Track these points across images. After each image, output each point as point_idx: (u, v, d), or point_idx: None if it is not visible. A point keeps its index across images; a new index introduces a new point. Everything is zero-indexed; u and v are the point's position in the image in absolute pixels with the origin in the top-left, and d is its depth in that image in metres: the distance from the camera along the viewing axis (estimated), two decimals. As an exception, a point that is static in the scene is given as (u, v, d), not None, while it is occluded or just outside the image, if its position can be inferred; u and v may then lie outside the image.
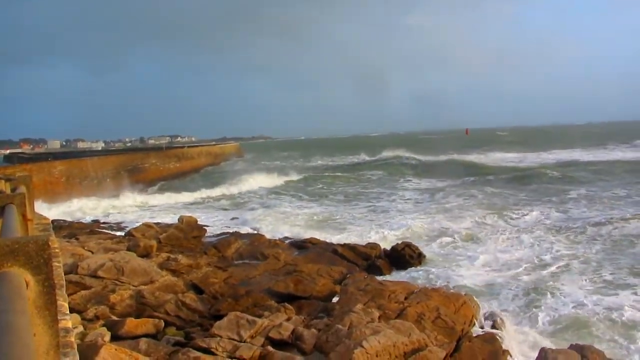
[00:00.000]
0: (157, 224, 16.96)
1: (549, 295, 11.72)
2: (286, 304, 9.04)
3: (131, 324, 7.88)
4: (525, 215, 21.46)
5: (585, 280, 12.78)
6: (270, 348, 6.75)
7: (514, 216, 21.33)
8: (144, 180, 40.68)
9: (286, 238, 17.14)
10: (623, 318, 10.25)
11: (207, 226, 18.87)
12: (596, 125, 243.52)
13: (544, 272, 13.56)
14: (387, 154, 56.56)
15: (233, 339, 6.99)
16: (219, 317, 7.92)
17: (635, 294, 11.68)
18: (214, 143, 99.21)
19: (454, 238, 17.71)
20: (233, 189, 33.59)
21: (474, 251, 15.82)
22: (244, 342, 6.98)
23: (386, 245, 15.55)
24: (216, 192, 32.98)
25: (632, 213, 19.93)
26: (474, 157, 55.35)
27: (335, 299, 9.76)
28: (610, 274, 13.06)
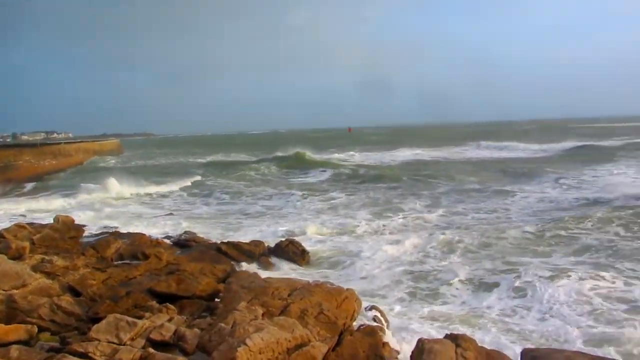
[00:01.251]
0: (31, 224, 16.01)
1: (432, 289, 12.33)
2: (168, 304, 8.85)
3: (0, 331, 7.42)
4: (406, 211, 22.38)
5: (466, 273, 13.48)
6: (151, 350, 6.58)
7: (393, 214, 22.17)
8: (17, 178, 38.36)
9: (168, 237, 16.79)
10: (497, 307, 11.01)
11: (85, 226, 18.10)
12: (462, 124, 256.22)
13: (427, 267, 14.18)
14: (280, 153, 56.65)
15: (112, 342, 6.75)
16: (98, 320, 7.61)
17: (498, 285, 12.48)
18: (92, 140, 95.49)
19: (340, 235, 18.13)
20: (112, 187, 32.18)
21: (358, 247, 16.26)
22: (124, 344, 6.76)
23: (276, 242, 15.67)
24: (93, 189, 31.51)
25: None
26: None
27: (218, 298, 9.69)
28: (489, 268, 13.85)
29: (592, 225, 17.62)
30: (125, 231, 17.38)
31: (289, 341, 6.49)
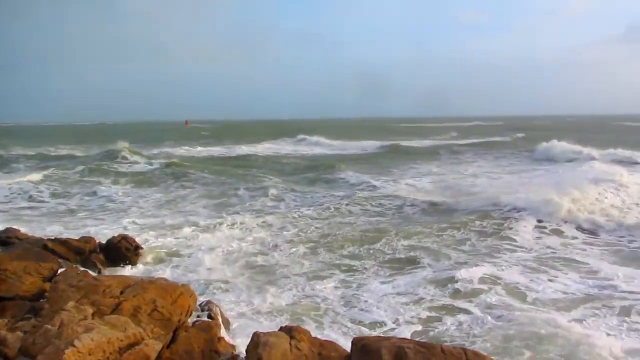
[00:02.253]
0: None
1: (271, 282, 12.54)
2: (-14, 307, 8.19)
3: None
4: (246, 204, 22.54)
5: (309, 265, 13.86)
6: (-35, 357, 6.07)
7: (232, 207, 22.25)
8: None
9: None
10: (332, 298, 11.44)
11: None
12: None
13: (267, 260, 14.39)
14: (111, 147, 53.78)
15: None
16: None
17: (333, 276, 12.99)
18: None
19: (177, 229, 17.85)
20: None
21: (197, 241, 16.15)
22: None
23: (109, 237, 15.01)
24: None
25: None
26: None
27: (44, 298, 9.12)
28: (327, 261, 14.32)
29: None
30: None
31: (121, 340, 6.29)
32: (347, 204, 22.20)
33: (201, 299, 9.91)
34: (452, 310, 10.76)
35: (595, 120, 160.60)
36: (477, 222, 18.29)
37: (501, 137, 74.88)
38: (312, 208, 21.75)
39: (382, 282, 12.55)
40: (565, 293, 11.67)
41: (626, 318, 10.16)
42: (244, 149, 59.17)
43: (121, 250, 13.93)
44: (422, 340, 7.52)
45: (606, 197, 20.72)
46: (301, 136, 75.93)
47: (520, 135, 78.08)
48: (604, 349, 8.59)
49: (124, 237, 14.40)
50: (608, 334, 9.43)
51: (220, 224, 18.56)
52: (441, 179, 31.10)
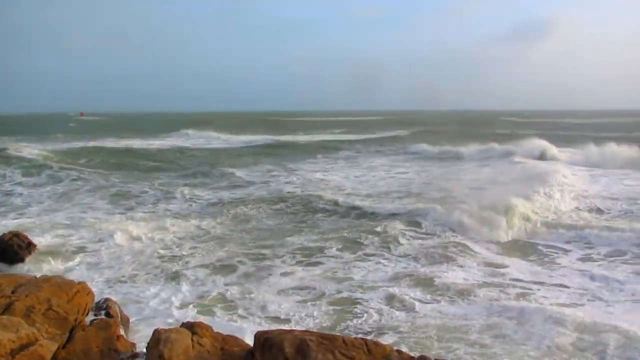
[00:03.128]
0: None
1: (172, 277, 12.39)
2: None
3: None
4: (142, 198, 22.06)
5: (211, 261, 13.72)
6: None
7: (127, 202, 21.80)
8: None
9: None
10: (234, 292, 11.44)
11: None
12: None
13: (172, 257, 14.16)
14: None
15: None
16: None
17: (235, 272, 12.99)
18: None
19: (73, 226, 17.27)
20: None
21: (95, 237, 15.69)
22: None
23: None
24: None
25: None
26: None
27: None
28: (227, 256, 14.23)
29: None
30: None
31: (13, 342, 6.04)
32: (241, 201, 22.17)
33: (99, 297, 9.65)
34: (356, 304, 11.04)
35: (485, 116, 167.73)
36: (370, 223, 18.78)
37: (381, 134, 75.70)
38: (209, 204, 21.54)
39: (285, 276, 12.67)
40: (464, 280, 12.24)
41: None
42: (137, 143, 57.13)
43: (12, 248, 13.27)
44: (325, 332, 7.67)
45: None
46: (188, 131, 73.53)
47: (403, 132, 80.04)
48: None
49: (16, 234, 13.73)
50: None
51: (119, 221, 18.06)
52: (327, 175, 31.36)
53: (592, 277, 12.55)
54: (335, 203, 20.81)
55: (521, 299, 11.21)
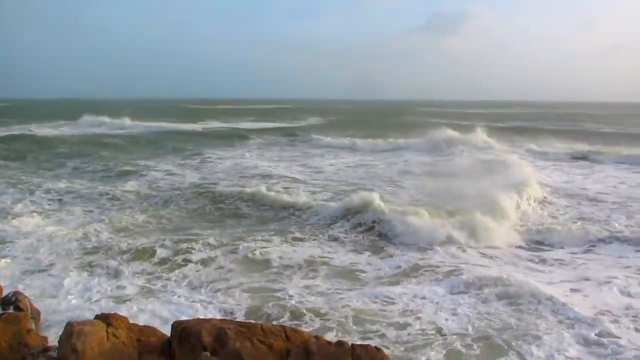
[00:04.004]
0: None
1: (91, 269, 12.04)
2: None
3: None
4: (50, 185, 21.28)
5: (122, 252, 13.41)
6: None
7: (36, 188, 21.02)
8: None
9: None
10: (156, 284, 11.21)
11: None
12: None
13: (85, 248, 13.74)
14: None
15: None
16: None
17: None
18: None
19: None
20: None
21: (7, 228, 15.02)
22: None
23: None
24: None
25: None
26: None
27: None
28: (144, 245, 13.91)
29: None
30: None
31: None
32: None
33: (8, 290, 9.26)
34: (276, 291, 11.10)
35: (396, 106, 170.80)
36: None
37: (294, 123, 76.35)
38: (124, 193, 21.00)
39: (204, 264, 12.57)
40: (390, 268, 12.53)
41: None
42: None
43: None
44: (243, 321, 7.67)
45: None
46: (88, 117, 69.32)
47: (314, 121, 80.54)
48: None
49: None
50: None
51: (29, 211, 17.36)
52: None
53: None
54: (253, 195, 20.74)
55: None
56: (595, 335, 9.03)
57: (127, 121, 65.13)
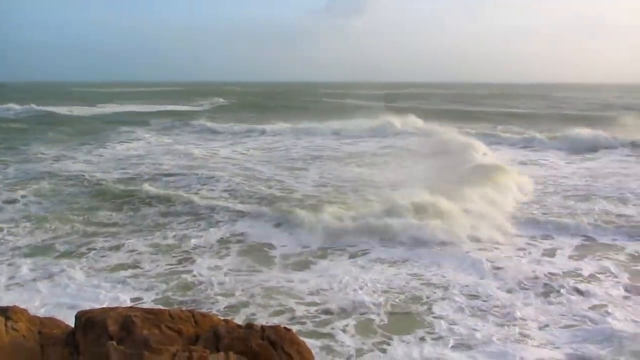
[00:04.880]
0: None
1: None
2: None
3: None
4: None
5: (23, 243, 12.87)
6: None
7: None
8: None
9: None
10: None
11: None
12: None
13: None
14: None
15: None
16: None
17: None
18: None
19: None
20: None
21: None
22: None
23: None
24: None
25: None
26: None
27: None
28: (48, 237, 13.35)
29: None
30: None
31: None
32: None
33: None
34: (186, 274, 11.00)
35: (297, 88, 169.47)
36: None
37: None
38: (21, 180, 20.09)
39: (111, 252, 12.27)
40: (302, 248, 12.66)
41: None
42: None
43: None
44: (150, 308, 7.56)
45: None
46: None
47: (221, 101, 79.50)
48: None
49: None
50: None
51: None
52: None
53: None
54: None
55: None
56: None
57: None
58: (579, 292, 10.10)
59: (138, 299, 9.85)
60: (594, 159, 26.95)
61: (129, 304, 9.34)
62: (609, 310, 9.30)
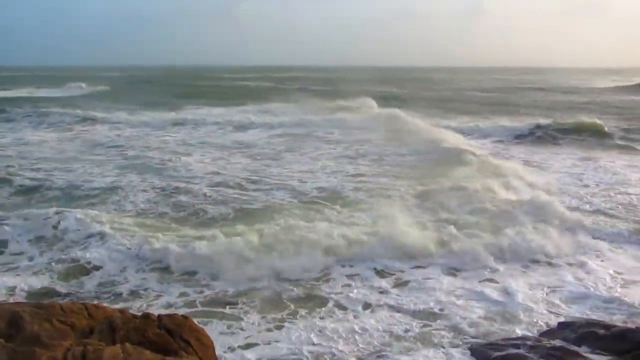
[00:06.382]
0: None
1: None
2: None
3: None
4: None
5: None
6: None
7: None
8: None
9: None
10: None
11: None
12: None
13: None
14: None
15: None
16: None
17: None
18: None
19: None
20: None
21: None
22: None
23: None
24: None
25: None
26: None
27: None
28: None
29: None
30: None
31: None
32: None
33: None
34: (72, 261, 10.62)
35: (190, 72, 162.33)
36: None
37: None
38: None
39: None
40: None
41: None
42: None
43: None
44: (41, 302, 7.29)
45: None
46: None
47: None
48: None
49: None
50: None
51: None
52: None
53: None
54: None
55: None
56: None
57: None
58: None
59: (24, 290, 9.39)
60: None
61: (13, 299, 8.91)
62: None
